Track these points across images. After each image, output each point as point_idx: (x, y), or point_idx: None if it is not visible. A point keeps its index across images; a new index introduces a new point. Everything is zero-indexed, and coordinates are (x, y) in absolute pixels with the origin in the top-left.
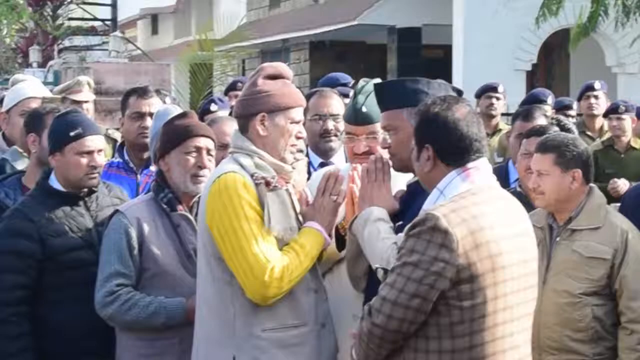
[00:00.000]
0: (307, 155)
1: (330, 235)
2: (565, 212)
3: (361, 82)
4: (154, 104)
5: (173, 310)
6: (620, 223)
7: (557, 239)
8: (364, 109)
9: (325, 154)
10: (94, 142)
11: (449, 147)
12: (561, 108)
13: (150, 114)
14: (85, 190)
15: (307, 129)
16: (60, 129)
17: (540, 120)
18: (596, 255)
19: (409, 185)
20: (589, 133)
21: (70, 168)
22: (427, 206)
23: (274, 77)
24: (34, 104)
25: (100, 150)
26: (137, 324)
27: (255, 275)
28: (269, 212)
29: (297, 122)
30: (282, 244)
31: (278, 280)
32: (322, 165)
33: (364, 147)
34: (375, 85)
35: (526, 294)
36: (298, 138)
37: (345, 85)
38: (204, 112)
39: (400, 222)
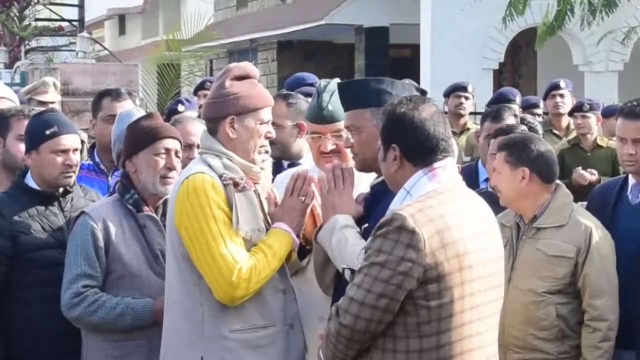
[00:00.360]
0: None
1: (298, 236)
2: (526, 210)
3: (322, 81)
4: (126, 107)
5: (140, 311)
6: (585, 221)
7: (523, 237)
8: (329, 107)
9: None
10: (70, 140)
11: (415, 146)
12: (528, 107)
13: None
14: (61, 190)
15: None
16: (36, 127)
17: (510, 121)
18: (559, 254)
19: (373, 187)
20: (555, 132)
21: (46, 166)
22: (394, 206)
23: (241, 77)
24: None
25: (76, 150)
26: (104, 326)
27: (223, 276)
28: (237, 212)
29: (266, 122)
30: (251, 244)
31: (246, 281)
32: (291, 165)
33: (331, 145)
34: (339, 84)
35: (492, 294)
36: (267, 138)
37: (311, 85)
38: (171, 113)
39: (366, 225)
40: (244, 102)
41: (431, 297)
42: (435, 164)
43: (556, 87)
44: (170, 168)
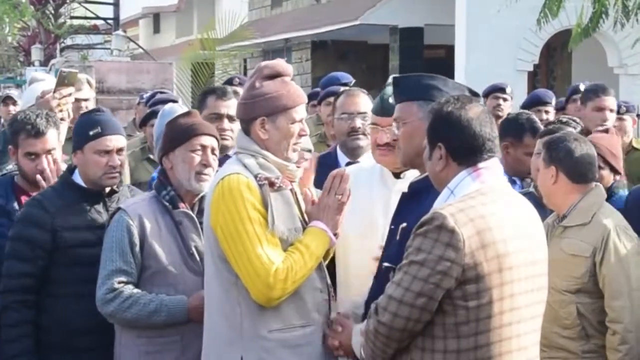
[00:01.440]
0: (336, 154)
1: (335, 235)
2: (558, 209)
3: (391, 77)
4: (231, 106)
5: (174, 308)
6: (607, 221)
7: (550, 236)
8: (390, 100)
9: (352, 153)
10: (113, 141)
11: (461, 146)
12: (560, 109)
13: (228, 116)
14: (107, 189)
15: (335, 127)
16: (81, 127)
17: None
18: (577, 253)
19: (412, 184)
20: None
21: (89, 166)
22: (437, 205)
23: (271, 76)
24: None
25: (120, 150)
26: (138, 322)
27: (259, 278)
28: (272, 213)
29: (299, 121)
30: (287, 244)
31: (282, 281)
32: (348, 164)
33: (387, 138)
34: (394, 78)
35: (534, 296)
36: (301, 136)
37: (346, 84)
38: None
39: (404, 224)
40: (274, 102)
41: (470, 298)
42: (480, 164)
43: (576, 91)
44: (205, 165)
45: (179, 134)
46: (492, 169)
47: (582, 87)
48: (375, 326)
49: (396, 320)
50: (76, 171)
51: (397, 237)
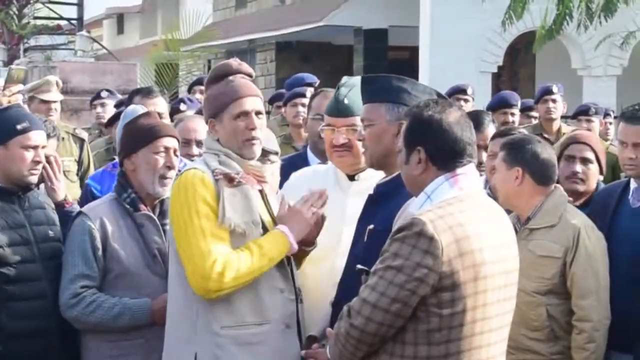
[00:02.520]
0: (306, 155)
1: (309, 244)
2: (520, 211)
3: (345, 77)
4: (158, 104)
5: (138, 311)
6: (575, 221)
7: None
8: (345, 101)
9: (324, 154)
10: (40, 137)
11: (442, 150)
12: (523, 109)
13: (158, 114)
14: (22, 188)
15: (308, 128)
16: (6, 122)
17: (490, 128)
18: (548, 254)
19: (378, 186)
20: (546, 136)
21: (14, 162)
22: (413, 210)
23: (218, 78)
24: None
25: (44, 147)
26: (102, 326)
27: (196, 268)
28: (224, 206)
29: (243, 115)
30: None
31: (219, 274)
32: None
33: (342, 139)
34: (363, 77)
35: (505, 305)
36: (250, 129)
37: (310, 84)
38: (173, 112)
39: (371, 226)
40: (215, 102)
41: (444, 305)
42: (458, 170)
43: (548, 92)
44: (169, 167)
45: (141, 136)
46: (469, 175)
47: (555, 89)
48: (347, 329)
49: (369, 324)
50: None
51: (365, 239)
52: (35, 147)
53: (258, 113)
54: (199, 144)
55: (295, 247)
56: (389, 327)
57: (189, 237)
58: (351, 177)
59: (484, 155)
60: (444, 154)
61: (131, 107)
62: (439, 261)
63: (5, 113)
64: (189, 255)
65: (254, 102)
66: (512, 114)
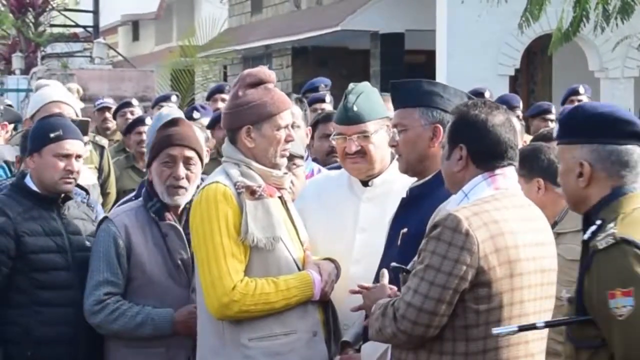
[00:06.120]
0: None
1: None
2: (547, 218)
3: (352, 84)
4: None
5: (160, 321)
6: None
7: None
8: (355, 108)
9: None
10: (74, 146)
11: (483, 149)
12: (540, 112)
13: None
14: (61, 196)
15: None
16: (40, 130)
17: None
18: (576, 258)
19: (412, 189)
20: None
21: (47, 170)
22: (451, 207)
23: (254, 84)
24: (56, 109)
25: (78, 156)
26: (125, 334)
27: (214, 289)
28: (247, 221)
29: (284, 127)
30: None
31: (236, 303)
32: None
33: (355, 146)
34: (393, 83)
35: (543, 304)
36: (288, 142)
37: (326, 86)
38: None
39: (405, 229)
40: (259, 110)
41: (480, 301)
42: (497, 170)
43: (575, 92)
44: (176, 177)
45: (154, 147)
46: (508, 176)
47: (581, 90)
48: (394, 332)
49: (416, 328)
50: (27, 177)
51: (398, 242)
52: (67, 156)
53: (292, 125)
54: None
55: (318, 297)
56: (435, 329)
57: (209, 254)
58: (364, 183)
59: None
60: (485, 153)
61: (165, 109)
62: (475, 257)
63: (43, 122)
64: (206, 272)
65: (291, 114)
66: (518, 117)
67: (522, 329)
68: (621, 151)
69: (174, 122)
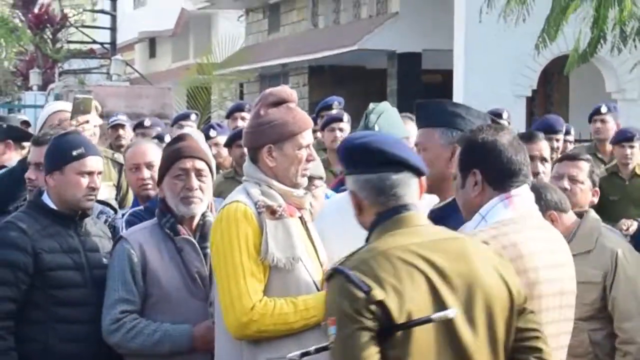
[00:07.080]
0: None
1: None
2: None
3: (372, 104)
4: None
5: (179, 337)
6: (611, 245)
7: None
8: (376, 128)
9: None
10: (96, 163)
11: (498, 170)
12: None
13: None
14: (79, 213)
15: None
16: (61, 148)
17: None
18: (587, 280)
19: (432, 211)
20: (599, 156)
21: (70, 187)
22: (468, 230)
23: (276, 103)
24: (61, 116)
25: (99, 173)
26: (143, 352)
27: (233, 309)
28: (267, 241)
29: (306, 147)
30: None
31: (255, 322)
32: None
33: None
34: (417, 103)
35: (562, 326)
36: (309, 161)
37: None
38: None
39: None
40: (280, 129)
41: None
42: (512, 191)
43: (597, 112)
44: (189, 189)
45: (164, 162)
46: (524, 196)
47: (603, 109)
48: None
49: None
50: (44, 195)
51: None
52: (90, 173)
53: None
54: (149, 166)
55: None
56: None
57: (229, 276)
58: None
59: (539, 166)
60: (500, 174)
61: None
62: None
63: (63, 139)
64: (225, 292)
65: (311, 135)
66: (557, 140)
67: (304, 354)
68: (374, 179)
69: (181, 137)
